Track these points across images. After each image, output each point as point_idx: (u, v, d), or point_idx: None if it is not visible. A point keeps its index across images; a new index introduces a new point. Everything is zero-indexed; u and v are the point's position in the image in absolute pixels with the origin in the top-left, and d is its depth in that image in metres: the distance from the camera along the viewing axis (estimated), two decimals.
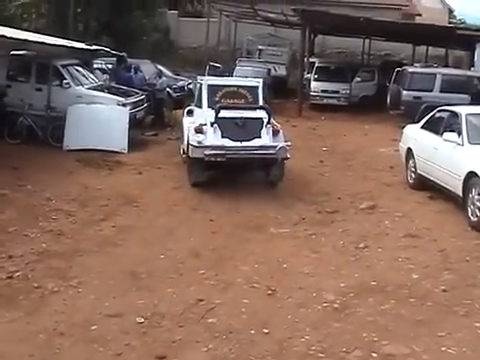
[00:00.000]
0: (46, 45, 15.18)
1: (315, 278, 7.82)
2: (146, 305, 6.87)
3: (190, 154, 12.01)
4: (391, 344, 6.07)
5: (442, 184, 11.25)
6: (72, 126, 15.60)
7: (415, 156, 12.51)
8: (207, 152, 11.60)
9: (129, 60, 21.39)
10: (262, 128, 12.09)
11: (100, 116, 15.78)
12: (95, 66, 20.22)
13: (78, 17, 29.64)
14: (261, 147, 11.89)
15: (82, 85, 16.87)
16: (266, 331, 6.29)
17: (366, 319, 6.63)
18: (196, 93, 14.37)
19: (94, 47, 18.55)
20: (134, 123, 16.43)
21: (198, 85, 14.36)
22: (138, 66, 21.83)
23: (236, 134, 11.95)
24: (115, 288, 7.36)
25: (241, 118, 12.08)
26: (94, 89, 17.01)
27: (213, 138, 11.85)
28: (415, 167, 12.45)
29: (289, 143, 12.16)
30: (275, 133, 12.17)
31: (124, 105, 16.41)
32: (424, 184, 12.13)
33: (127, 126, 15.74)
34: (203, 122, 12.16)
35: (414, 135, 13.03)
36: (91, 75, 18.16)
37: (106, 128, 15.51)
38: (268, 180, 12.50)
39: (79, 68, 17.70)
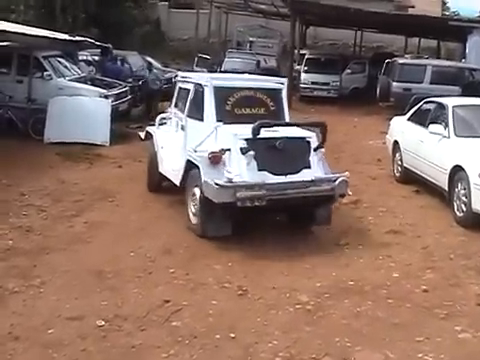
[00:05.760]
0: (27, 36, 14.77)
1: (290, 277, 7.43)
2: (109, 307, 6.47)
3: (212, 197, 8.13)
4: (364, 350, 5.68)
5: (428, 178, 10.94)
6: (53, 118, 15.28)
7: (401, 149, 12.19)
8: (241, 194, 7.94)
9: (116, 52, 21.09)
10: (310, 153, 8.70)
11: (82, 108, 15.44)
12: (80, 58, 19.83)
13: (67, 9, 29.29)
14: (313, 182, 8.49)
15: (64, 77, 16.48)
16: (232, 335, 5.91)
17: (340, 322, 6.26)
18: (189, 97, 9.77)
19: (77, 38, 18.18)
20: (117, 115, 16.07)
21: (192, 86, 9.82)
22: (124, 58, 21.51)
23: (277, 164, 8.39)
24: (79, 288, 6.96)
25: (281, 139, 8.46)
26: (76, 81, 16.62)
27: (248, 173, 8.26)
28: (401, 160, 12.14)
29: (347, 173, 8.90)
30: (323, 158, 8.88)
31: (106, 97, 16.06)
32: (410, 178, 11.82)
33: (109, 118, 15.41)
34: (224, 147, 8.42)
35: (401, 127, 12.70)
36: (74, 67, 17.78)
37: (88, 120, 15.18)
38: (310, 224, 9.17)
39: (61, 60, 17.30)
